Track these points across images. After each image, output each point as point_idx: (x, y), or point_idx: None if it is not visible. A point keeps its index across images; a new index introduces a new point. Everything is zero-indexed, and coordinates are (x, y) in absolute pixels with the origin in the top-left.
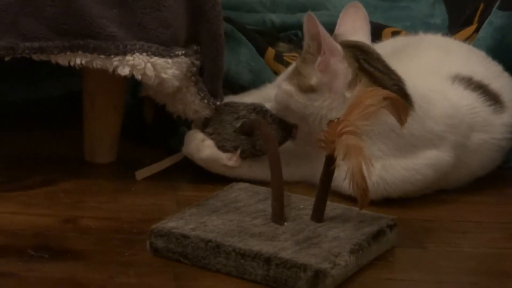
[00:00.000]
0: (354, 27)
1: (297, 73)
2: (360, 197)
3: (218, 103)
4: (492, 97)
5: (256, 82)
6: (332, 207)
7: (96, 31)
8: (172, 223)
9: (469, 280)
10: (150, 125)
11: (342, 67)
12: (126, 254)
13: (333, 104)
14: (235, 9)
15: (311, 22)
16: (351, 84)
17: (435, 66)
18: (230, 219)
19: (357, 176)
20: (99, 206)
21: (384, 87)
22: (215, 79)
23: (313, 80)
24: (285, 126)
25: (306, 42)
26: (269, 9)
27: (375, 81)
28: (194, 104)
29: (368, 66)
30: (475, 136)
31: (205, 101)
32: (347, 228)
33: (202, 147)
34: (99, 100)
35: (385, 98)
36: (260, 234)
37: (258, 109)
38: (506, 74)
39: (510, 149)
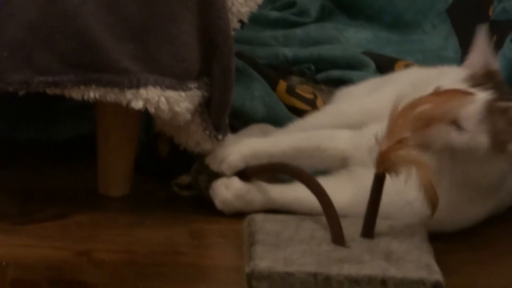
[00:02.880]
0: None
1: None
2: (432, 208)
3: (220, 137)
4: None
5: (271, 116)
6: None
7: (110, 65)
8: (264, 263)
9: None
10: (165, 159)
11: None
12: (140, 287)
13: None
14: (247, 43)
15: None
16: None
17: None
18: (302, 250)
19: (428, 189)
20: (113, 239)
21: None
22: (220, 112)
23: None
24: None
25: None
26: (282, 44)
27: None
28: (197, 135)
29: None
30: None
31: (207, 132)
32: (403, 240)
33: (229, 183)
34: (113, 134)
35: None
36: (345, 259)
37: None
38: None
39: None
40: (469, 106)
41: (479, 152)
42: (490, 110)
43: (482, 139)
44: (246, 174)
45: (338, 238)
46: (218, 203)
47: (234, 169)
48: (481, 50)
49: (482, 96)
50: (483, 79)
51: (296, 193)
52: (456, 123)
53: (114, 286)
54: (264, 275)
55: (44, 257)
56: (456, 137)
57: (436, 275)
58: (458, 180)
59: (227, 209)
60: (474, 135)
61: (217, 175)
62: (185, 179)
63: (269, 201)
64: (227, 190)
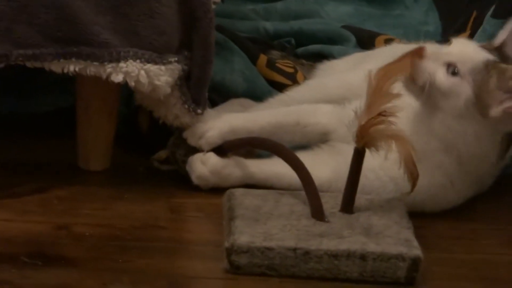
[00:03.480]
0: None
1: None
2: (413, 183)
3: (199, 111)
4: None
5: (251, 90)
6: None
7: (90, 38)
8: (244, 238)
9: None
10: (145, 133)
11: None
12: (120, 260)
13: None
14: (228, 17)
15: None
16: None
17: None
18: (281, 225)
19: (409, 164)
20: (93, 213)
21: None
22: (200, 86)
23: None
24: None
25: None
26: (263, 17)
27: None
28: (176, 108)
29: None
30: None
31: (186, 106)
32: (383, 215)
33: (205, 158)
34: (93, 107)
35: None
36: (324, 234)
37: None
38: None
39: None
40: (470, 54)
41: (459, 101)
42: (488, 68)
43: (467, 88)
44: (223, 148)
45: (317, 213)
46: (194, 178)
47: (212, 145)
48: (506, 32)
49: (486, 54)
50: (494, 50)
51: (274, 168)
52: (449, 66)
53: (93, 260)
54: (243, 250)
55: (24, 231)
56: (442, 76)
57: (415, 250)
58: (440, 145)
59: (203, 185)
60: (461, 81)
61: (194, 150)
62: (162, 154)
63: (246, 176)
64: (203, 166)
